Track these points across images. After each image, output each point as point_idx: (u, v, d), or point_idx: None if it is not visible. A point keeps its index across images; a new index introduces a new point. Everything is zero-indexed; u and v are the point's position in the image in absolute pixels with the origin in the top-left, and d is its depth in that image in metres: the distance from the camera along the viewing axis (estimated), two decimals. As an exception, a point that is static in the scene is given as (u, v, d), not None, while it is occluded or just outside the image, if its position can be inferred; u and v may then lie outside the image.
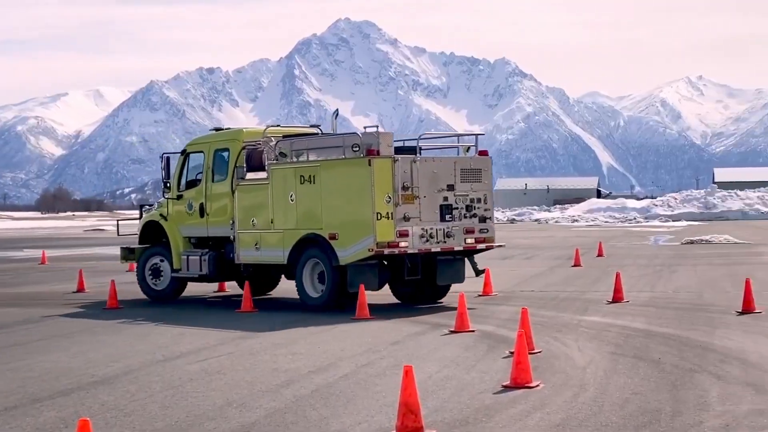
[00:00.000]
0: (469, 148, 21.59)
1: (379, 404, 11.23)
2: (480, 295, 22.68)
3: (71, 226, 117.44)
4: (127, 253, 25.56)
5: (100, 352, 16.04)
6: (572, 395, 11.46)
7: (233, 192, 22.28)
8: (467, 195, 20.74)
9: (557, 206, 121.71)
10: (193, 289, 25.08)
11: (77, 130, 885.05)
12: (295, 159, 21.49)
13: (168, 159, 24.35)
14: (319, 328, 18.19)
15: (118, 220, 29.25)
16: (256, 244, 21.74)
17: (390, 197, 19.69)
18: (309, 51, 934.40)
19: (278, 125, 24.02)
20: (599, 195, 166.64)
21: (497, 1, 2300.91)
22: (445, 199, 20.44)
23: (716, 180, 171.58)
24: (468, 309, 17.40)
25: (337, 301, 20.38)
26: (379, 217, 19.54)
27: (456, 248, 20.54)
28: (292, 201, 21.02)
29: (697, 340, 15.49)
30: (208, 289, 26.40)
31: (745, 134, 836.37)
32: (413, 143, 21.31)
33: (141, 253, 24.85)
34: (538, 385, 11.91)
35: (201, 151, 23.78)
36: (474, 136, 22.26)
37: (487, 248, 21.60)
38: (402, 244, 19.75)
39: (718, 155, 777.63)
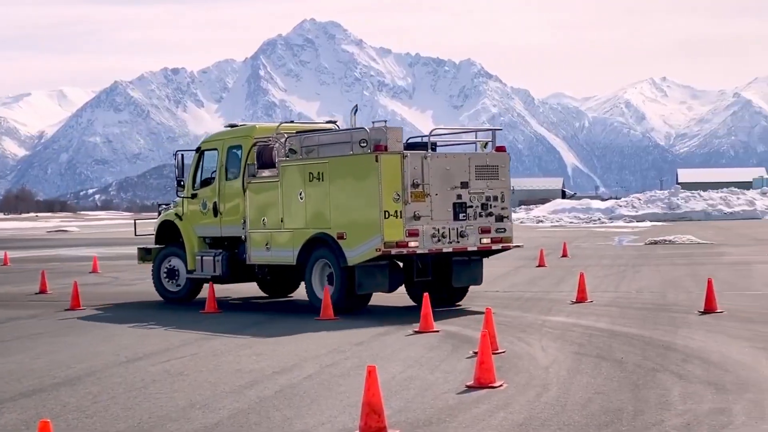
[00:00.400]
0: (486, 143, 20.93)
1: (342, 404, 11.23)
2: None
3: (34, 227, 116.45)
4: (144, 254, 24.90)
5: (63, 354, 15.95)
6: (535, 395, 11.51)
7: (244, 190, 21.67)
8: (483, 193, 19.88)
9: (522, 207, 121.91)
10: (230, 290, 24.91)
11: (40, 130, 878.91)
12: (305, 156, 20.81)
13: (182, 156, 23.70)
14: (283, 329, 18.17)
15: (135, 220, 28.43)
16: (266, 245, 21.11)
17: (399, 195, 18.88)
18: (274, 51, 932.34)
19: (291, 121, 23.33)
20: (564, 196, 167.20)
21: (463, 2, 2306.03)
22: (459, 197, 19.61)
23: (680, 181, 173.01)
24: (432, 309, 17.45)
25: (346, 304, 19.57)
26: (386, 216, 18.76)
27: (470, 248, 19.74)
28: (301, 199, 20.37)
29: (660, 339, 15.60)
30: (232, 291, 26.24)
31: (708, 135, 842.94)
32: (435, 138, 20.81)
33: (157, 253, 24.28)
34: (501, 385, 11.95)
35: (215, 149, 23.14)
36: (491, 131, 21.37)
37: (504, 249, 20.76)
38: (412, 244, 18.94)
39: (682, 156, 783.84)
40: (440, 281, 20.23)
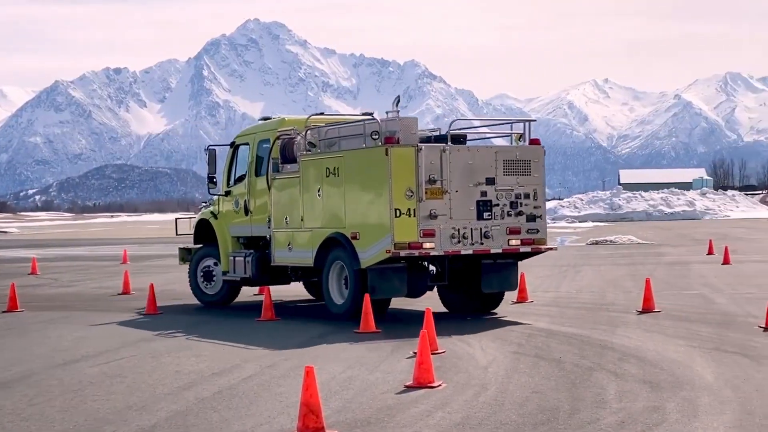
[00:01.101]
0: (521, 136, 19.07)
1: (281, 405, 11.23)
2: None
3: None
4: (185, 254, 23.78)
5: (-1, 357, 15.79)
6: (473, 394, 11.59)
7: (269, 187, 20.51)
8: (512, 190, 18.12)
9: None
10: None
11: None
12: (324, 150, 19.51)
13: (214, 152, 22.46)
14: (224, 331, 18.15)
15: (176, 218, 26.48)
16: (288, 245, 19.82)
17: (412, 191, 17.30)
18: (218, 52, 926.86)
19: (322, 113, 21.52)
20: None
21: (407, 3, 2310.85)
22: (484, 194, 17.92)
23: (621, 181, 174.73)
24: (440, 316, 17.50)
25: (360, 310, 17.37)
26: (398, 214, 17.20)
27: (493, 250, 17.99)
28: (320, 197, 19.01)
29: (598, 339, 15.77)
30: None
31: (649, 136, 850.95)
32: (464, 130, 19.70)
33: (193, 254, 23.13)
34: (440, 385, 12.01)
35: (247, 143, 21.81)
36: (524, 123, 19.41)
37: (534, 251, 18.83)
38: (427, 245, 17.38)
39: (624, 157, 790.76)
40: (469, 287, 18.97)
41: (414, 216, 17.32)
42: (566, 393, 11.54)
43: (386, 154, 17.38)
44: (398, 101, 19.46)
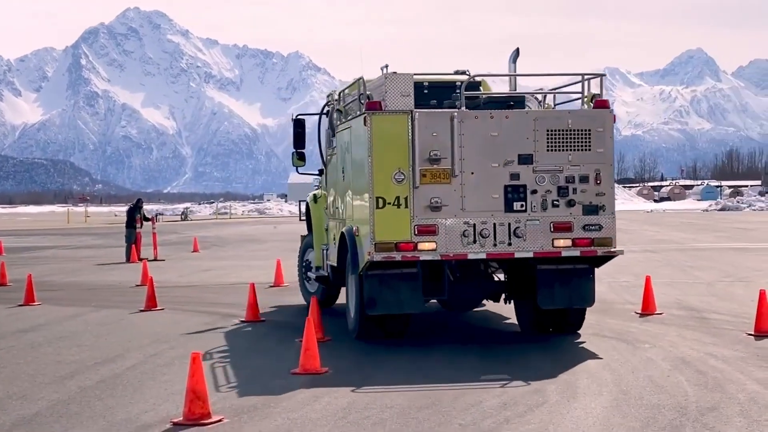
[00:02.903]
0: (593, 97, 13.78)
1: (167, 393, 11.19)
2: (271, 286, 22.82)
3: None
4: None
5: None
6: (360, 379, 11.73)
7: (325, 166, 17.32)
8: (560, 171, 13.23)
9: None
10: None
11: None
12: (346, 120, 15.59)
13: (302, 122, 18.37)
14: (105, 321, 17.95)
15: (299, 201, 21.82)
16: (334, 238, 16.12)
17: (403, 174, 13.01)
18: (96, 40, 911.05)
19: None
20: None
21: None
22: (515, 176, 13.19)
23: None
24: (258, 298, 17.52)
25: (365, 330, 14.18)
26: (380, 204, 12.99)
27: (518, 255, 13.30)
28: (344, 180, 15.43)
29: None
30: None
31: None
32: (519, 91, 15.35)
33: (301, 244, 19.49)
34: (326, 372, 12.13)
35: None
36: (596, 78, 14.14)
37: (602, 257, 13.69)
38: (424, 246, 13.03)
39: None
40: (526, 301, 14.44)
41: (405, 207, 13.03)
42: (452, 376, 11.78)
43: (365, 125, 13.31)
44: (516, 55, 15.26)
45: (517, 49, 15.27)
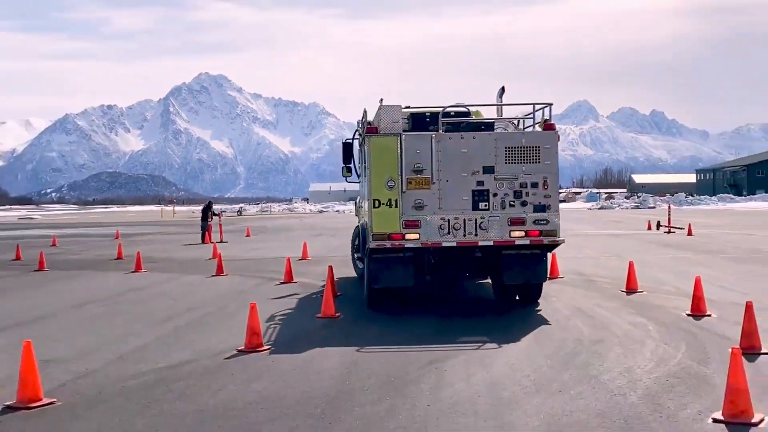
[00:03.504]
0: (544, 122, 12.74)
1: (233, 330, 11.09)
2: (300, 259, 22.77)
3: (7, 215, 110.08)
4: None
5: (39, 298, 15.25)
6: (365, 323, 11.61)
7: None
8: (515, 179, 12.36)
9: (352, 201, 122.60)
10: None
11: (12, 148, 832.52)
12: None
13: (349, 145, 16.22)
14: (189, 283, 17.80)
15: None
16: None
17: (393, 181, 12.24)
18: (180, 94, 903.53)
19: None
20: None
21: (311, 59, 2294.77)
22: (480, 183, 12.35)
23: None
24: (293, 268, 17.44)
25: (371, 300, 12.99)
26: (376, 205, 12.23)
27: (481, 243, 12.32)
28: (361, 187, 15.14)
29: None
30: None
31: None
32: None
33: None
34: (339, 316, 12.07)
35: None
36: (540, 106, 12.98)
37: (548, 245, 12.48)
38: (410, 236, 12.18)
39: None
40: (499, 279, 13.17)
41: (395, 206, 12.21)
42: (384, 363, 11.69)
43: (363, 144, 13.07)
44: (502, 92, 14.29)
45: (503, 87, 14.29)
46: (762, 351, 8.89)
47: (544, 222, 12.27)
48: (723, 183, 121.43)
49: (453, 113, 13.41)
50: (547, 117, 12.58)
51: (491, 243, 12.28)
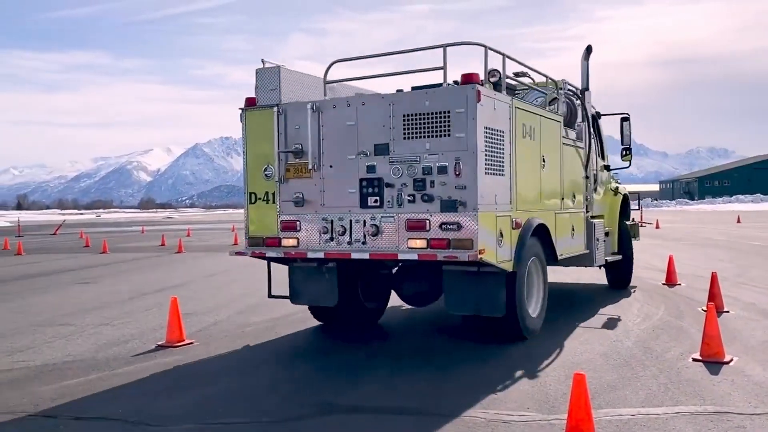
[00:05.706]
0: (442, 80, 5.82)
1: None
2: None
3: (153, 216, 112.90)
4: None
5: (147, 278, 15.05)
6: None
7: None
8: (417, 161, 5.84)
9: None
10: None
11: (158, 168, 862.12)
12: None
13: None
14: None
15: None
16: None
17: (272, 169, 6.56)
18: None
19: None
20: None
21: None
22: (371, 169, 6.06)
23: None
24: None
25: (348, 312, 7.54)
26: (252, 200, 6.68)
27: (354, 255, 6.09)
28: None
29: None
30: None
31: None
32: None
33: None
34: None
35: None
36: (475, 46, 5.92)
37: (447, 259, 5.62)
38: (288, 242, 6.50)
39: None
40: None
41: (273, 202, 6.65)
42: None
43: (240, 121, 6.83)
44: (588, 52, 8.51)
45: (589, 46, 8.53)
46: (724, 310, 8.47)
47: (455, 227, 5.75)
48: (680, 191, 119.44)
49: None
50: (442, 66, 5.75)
51: (367, 256, 6.07)
